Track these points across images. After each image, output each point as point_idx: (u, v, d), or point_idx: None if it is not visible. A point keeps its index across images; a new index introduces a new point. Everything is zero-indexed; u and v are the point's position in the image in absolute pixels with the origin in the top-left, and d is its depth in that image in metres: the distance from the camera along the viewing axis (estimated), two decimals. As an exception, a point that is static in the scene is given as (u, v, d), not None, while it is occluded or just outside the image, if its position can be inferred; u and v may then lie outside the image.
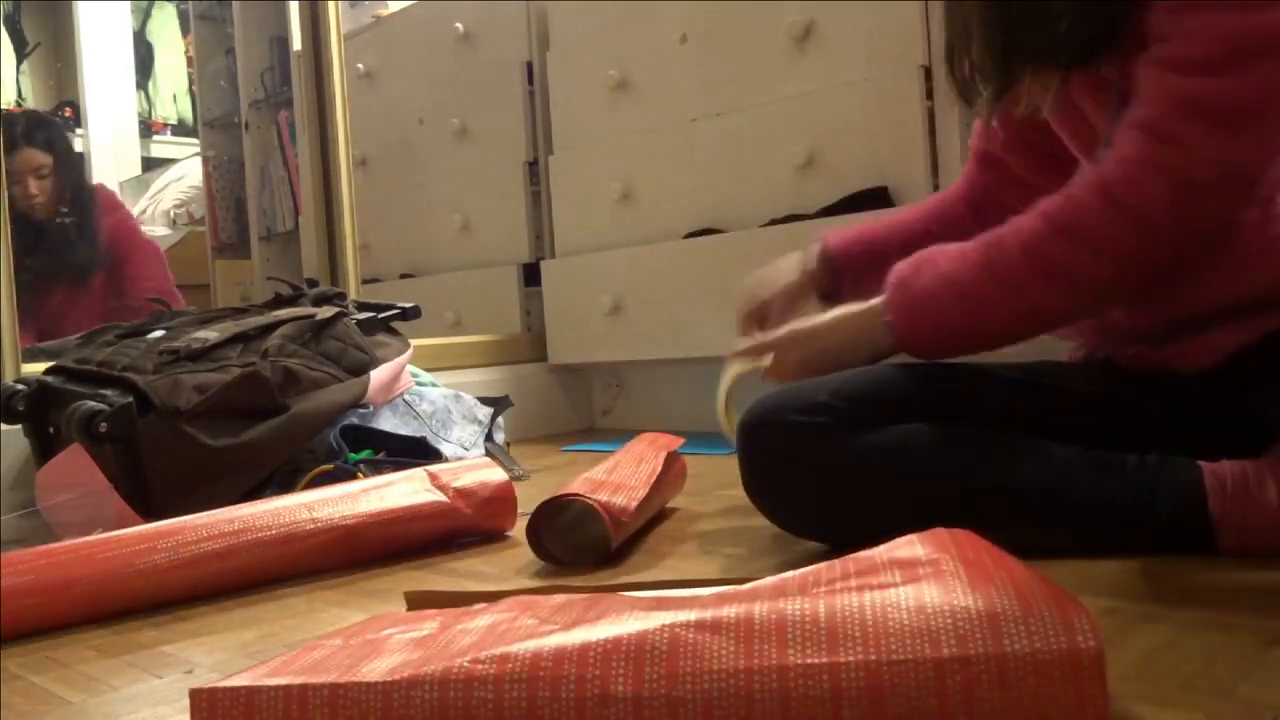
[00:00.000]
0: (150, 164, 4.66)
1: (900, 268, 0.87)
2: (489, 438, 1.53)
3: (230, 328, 1.41)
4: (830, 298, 1.03)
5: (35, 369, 1.47)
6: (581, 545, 0.95)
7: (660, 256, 1.92)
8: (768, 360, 0.93)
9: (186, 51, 4.81)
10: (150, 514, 1.11)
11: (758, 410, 0.91)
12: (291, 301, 1.60)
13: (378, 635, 0.55)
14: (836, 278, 1.08)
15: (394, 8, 2.68)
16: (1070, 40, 0.80)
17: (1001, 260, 0.81)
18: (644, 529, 1.08)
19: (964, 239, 0.86)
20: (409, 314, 1.63)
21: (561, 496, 0.95)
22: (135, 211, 4.15)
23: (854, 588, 0.47)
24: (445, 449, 1.41)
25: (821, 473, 0.87)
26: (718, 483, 1.37)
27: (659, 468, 1.08)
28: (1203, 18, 0.73)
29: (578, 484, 0.98)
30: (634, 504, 0.96)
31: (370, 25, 2.67)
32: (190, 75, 4.60)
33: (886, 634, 0.43)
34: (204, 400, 1.26)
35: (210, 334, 1.38)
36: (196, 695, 0.50)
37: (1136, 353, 0.89)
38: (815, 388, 0.89)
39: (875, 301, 0.87)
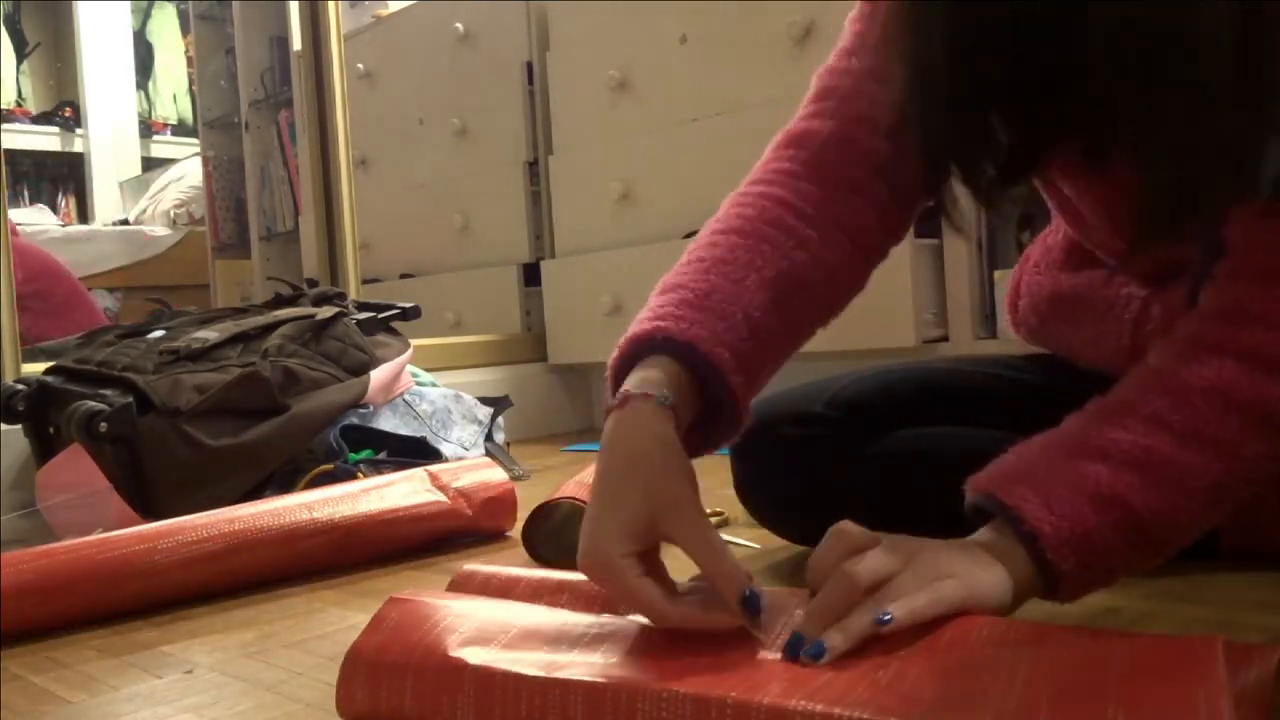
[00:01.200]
0: (150, 164, 4.66)
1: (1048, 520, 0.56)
2: (489, 438, 1.53)
3: (230, 328, 1.41)
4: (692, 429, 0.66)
5: (35, 369, 1.47)
6: (571, 546, 0.95)
7: (660, 256, 1.91)
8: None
9: (186, 51, 4.82)
10: (150, 514, 1.11)
11: (750, 420, 0.90)
12: (291, 301, 1.60)
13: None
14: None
15: (394, 8, 2.68)
16: None
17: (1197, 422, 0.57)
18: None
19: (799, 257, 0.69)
20: (409, 314, 1.63)
21: (549, 501, 0.95)
22: (135, 211, 4.16)
23: None
24: (445, 449, 1.41)
25: (819, 485, 0.86)
26: (720, 482, 1.37)
27: None
28: None
29: (569, 487, 0.98)
30: None
31: (370, 25, 2.67)
32: (190, 75, 4.60)
33: None
34: (204, 400, 1.26)
35: (210, 334, 1.38)
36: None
37: None
38: (808, 397, 0.87)
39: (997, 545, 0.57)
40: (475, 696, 0.52)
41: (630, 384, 0.61)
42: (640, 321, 0.64)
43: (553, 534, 0.96)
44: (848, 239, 0.72)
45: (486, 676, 0.52)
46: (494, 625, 0.56)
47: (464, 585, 0.68)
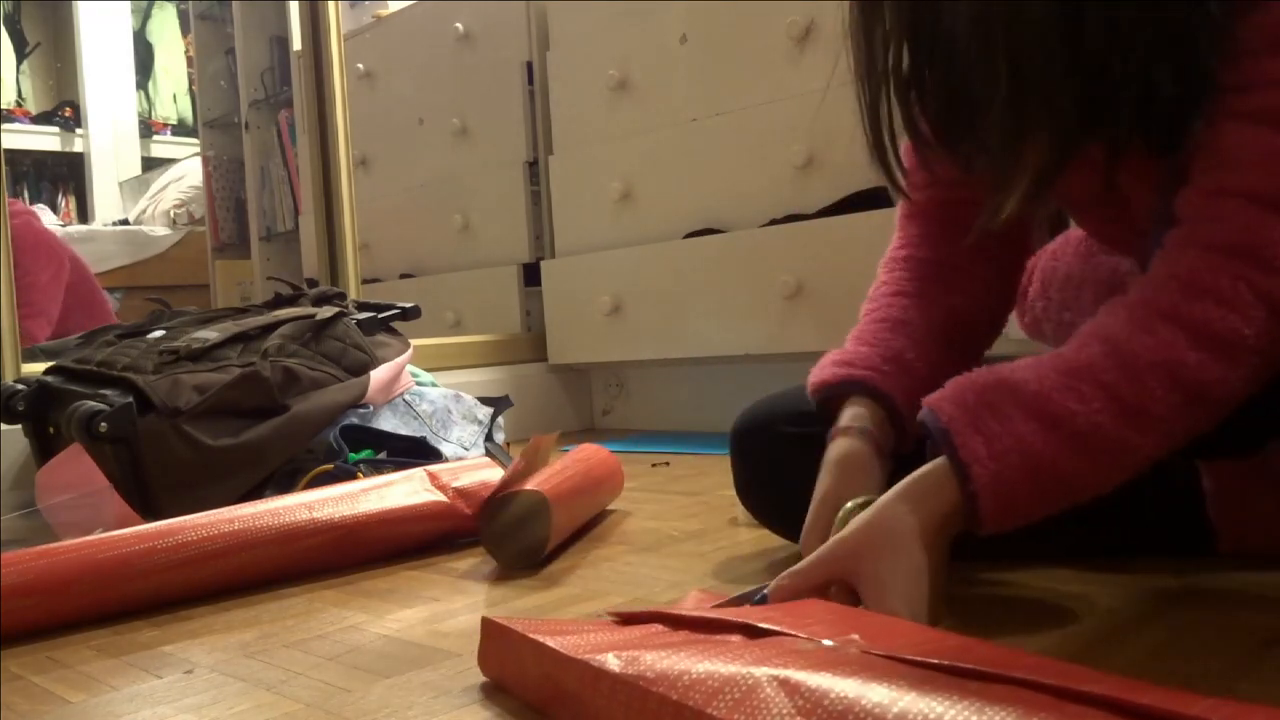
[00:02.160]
0: (150, 164, 4.66)
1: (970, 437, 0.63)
2: (489, 438, 1.53)
3: (230, 328, 1.41)
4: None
5: (35, 369, 1.47)
6: (533, 545, 0.94)
7: (660, 256, 1.92)
8: None
9: (186, 51, 4.82)
10: (150, 514, 1.11)
11: (747, 419, 0.90)
12: (291, 301, 1.60)
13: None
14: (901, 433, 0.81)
15: (394, 8, 2.68)
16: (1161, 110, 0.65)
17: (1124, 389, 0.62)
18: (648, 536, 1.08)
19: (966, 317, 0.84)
20: (409, 314, 1.63)
21: (510, 489, 0.95)
22: (135, 211, 4.16)
23: None
24: (445, 449, 1.41)
25: (810, 482, 0.86)
26: (715, 483, 1.37)
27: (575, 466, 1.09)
28: None
29: (536, 478, 0.99)
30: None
31: (370, 25, 2.67)
32: (190, 75, 4.61)
33: None
34: (204, 400, 1.26)
35: (210, 334, 1.38)
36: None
37: None
38: (806, 396, 0.88)
39: (918, 479, 0.65)
40: (611, 703, 0.50)
41: (844, 420, 0.78)
42: (846, 364, 0.81)
43: (511, 528, 0.95)
44: (983, 270, 0.86)
45: (629, 687, 0.49)
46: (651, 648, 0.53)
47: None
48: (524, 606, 0.82)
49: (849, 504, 0.71)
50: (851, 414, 0.78)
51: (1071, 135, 0.66)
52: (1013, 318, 0.99)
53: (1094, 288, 0.86)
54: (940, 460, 0.64)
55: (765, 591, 0.65)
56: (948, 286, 0.84)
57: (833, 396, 0.80)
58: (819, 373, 0.81)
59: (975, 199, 0.80)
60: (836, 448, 0.77)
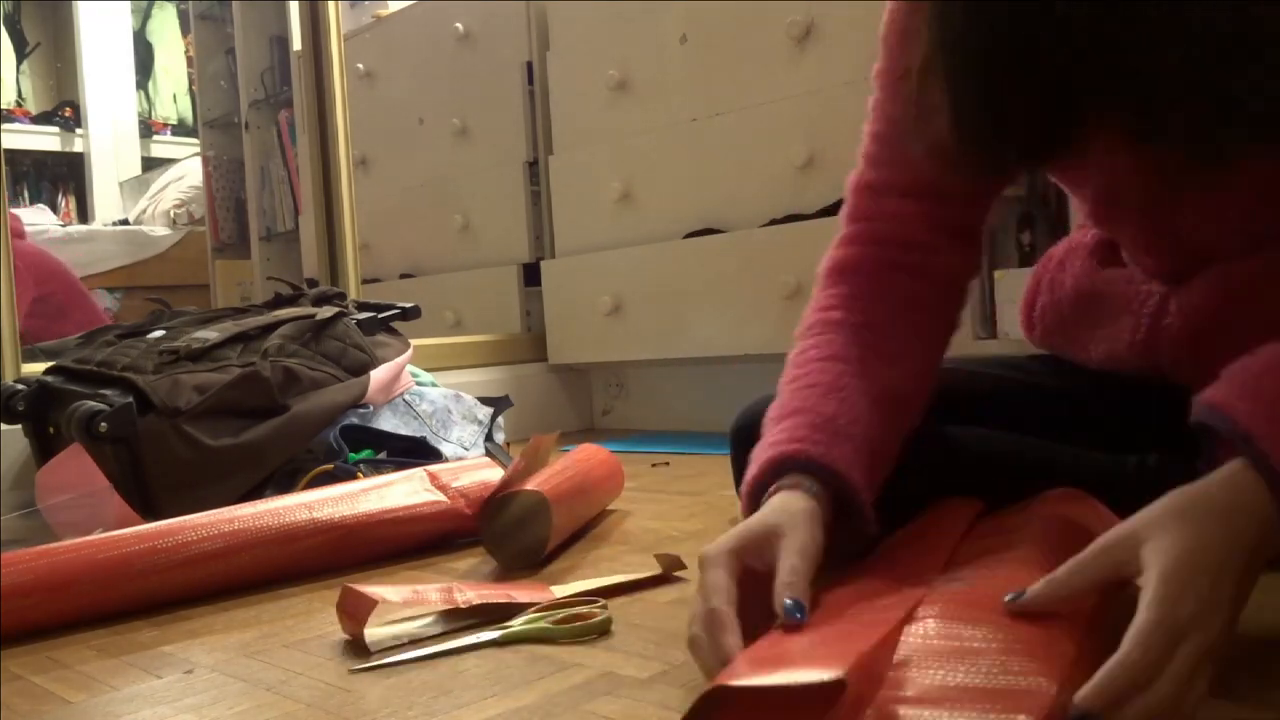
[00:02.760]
0: (150, 164, 4.66)
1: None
2: (489, 438, 1.53)
3: (230, 328, 1.41)
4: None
5: (35, 369, 1.47)
6: (532, 546, 0.95)
7: (660, 256, 1.92)
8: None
9: (186, 51, 4.82)
10: (150, 514, 1.11)
11: (747, 418, 0.90)
12: (291, 301, 1.60)
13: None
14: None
15: (394, 8, 2.68)
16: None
17: None
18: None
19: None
20: (409, 314, 1.63)
21: (511, 489, 0.95)
22: (135, 211, 4.16)
23: None
24: (445, 449, 1.41)
25: None
26: (715, 483, 1.37)
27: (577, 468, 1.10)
28: None
29: (537, 478, 0.99)
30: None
31: (370, 25, 2.67)
32: (190, 75, 4.61)
33: None
34: (204, 400, 1.26)
35: (210, 334, 1.38)
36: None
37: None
38: None
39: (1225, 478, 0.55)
40: None
41: (781, 484, 0.67)
42: (775, 445, 0.70)
43: (511, 528, 0.95)
44: (914, 344, 0.79)
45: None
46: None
47: None
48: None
49: None
50: (791, 479, 0.68)
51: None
52: (1018, 322, 0.99)
53: (1107, 300, 0.85)
54: (1236, 468, 0.54)
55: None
56: (882, 357, 0.77)
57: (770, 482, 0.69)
58: (756, 467, 0.70)
59: (910, 263, 0.79)
60: (771, 500, 0.66)
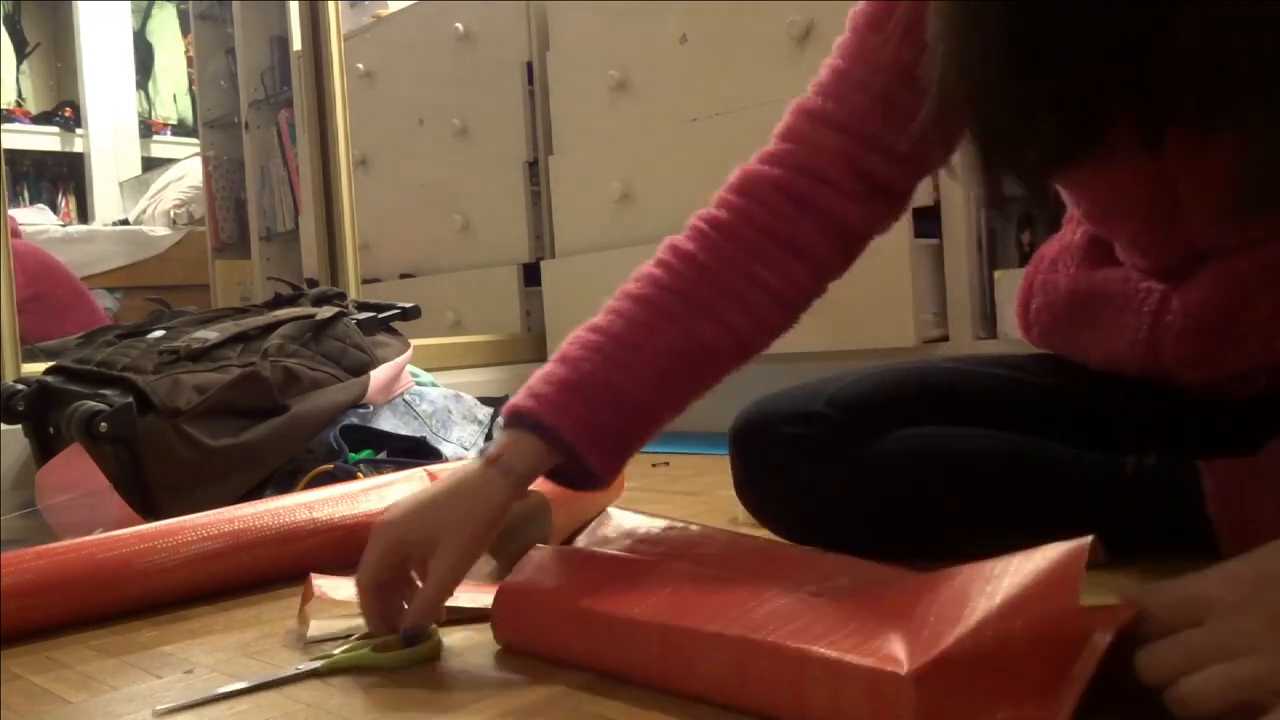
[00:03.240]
0: (150, 164, 4.66)
1: None
2: (489, 438, 1.53)
3: (230, 328, 1.41)
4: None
5: (35, 369, 1.47)
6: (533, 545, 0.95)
7: (660, 256, 1.92)
8: None
9: (186, 51, 4.82)
10: (150, 514, 1.11)
11: (746, 419, 0.90)
12: (291, 301, 1.60)
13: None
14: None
15: (394, 8, 2.68)
16: None
17: None
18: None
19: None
20: (409, 314, 1.63)
21: None
22: (135, 211, 4.16)
23: None
24: (445, 449, 1.41)
25: (819, 484, 0.85)
26: (715, 483, 1.37)
27: None
28: None
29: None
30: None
31: (370, 25, 2.67)
32: (190, 75, 4.61)
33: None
34: (204, 400, 1.26)
35: (210, 334, 1.38)
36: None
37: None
38: (808, 397, 0.87)
39: None
40: (597, 638, 0.63)
41: (499, 445, 0.73)
42: (525, 393, 0.75)
43: (511, 528, 0.95)
44: (782, 285, 0.78)
45: (607, 621, 0.63)
46: (613, 576, 0.67)
47: (601, 526, 0.82)
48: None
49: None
50: (509, 443, 0.73)
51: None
52: (1014, 322, 0.99)
53: (1104, 300, 0.85)
54: None
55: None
56: (704, 313, 0.76)
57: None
58: (510, 401, 0.76)
59: (815, 199, 0.77)
60: (464, 475, 0.72)
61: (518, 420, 0.74)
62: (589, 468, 0.74)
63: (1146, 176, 0.75)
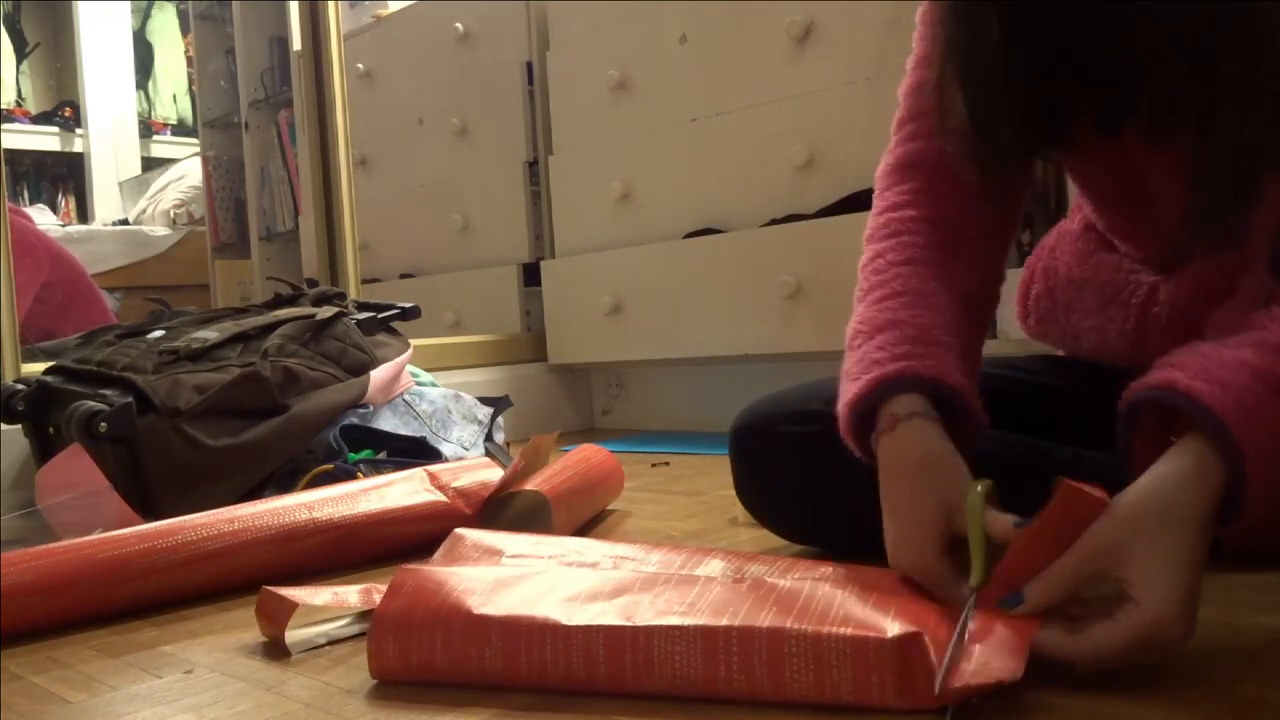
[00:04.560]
0: (150, 164, 4.66)
1: (1217, 397, 0.55)
2: (489, 438, 1.53)
3: (230, 328, 1.41)
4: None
5: (35, 369, 1.47)
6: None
7: (660, 256, 1.92)
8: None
9: (186, 51, 4.81)
10: (150, 514, 1.11)
11: (747, 418, 0.90)
12: (291, 301, 1.60)
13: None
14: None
15: (394, 8, 2.68)
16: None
17: None
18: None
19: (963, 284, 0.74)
20: (409, 314, 1.63)
21: (510, 489, 0.96)
22: (135, 211, 4.16)
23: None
24: (445, 449, 1.41)
25: (819, 484, 0.85)
26: (715, 483, 1.37)
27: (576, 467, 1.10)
28: None
29: (536, 478, 0.99)
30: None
31: (370, 25, 2.67)
32: (190, 75, 4.60)
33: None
34: (204, 400, 1.26)
35: (210, 334, 1.38)
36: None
37: None
38: (807, 396, 0.87)
39: (1175, 463, 0.56)
40: (502, 647, 0.60)
41: (894, 410, 0.67)
42: (878, 364, 0.69)
43: (511, 528, 0.95)
44: (985, 242, 0.79)
45: (512, 627, 0.60)
46: (508, 583, 0.65)
47: (456, 547, 0.77)
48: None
49: (978, 489, 0.61)
50: (903, 401, 0.67)
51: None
52: (1014, 318, 0.99)
53: (1096, 289, 0.86)
54: (1195, 442, 0.56)
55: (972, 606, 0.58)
56: (960, 257, 0.76)
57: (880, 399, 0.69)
58: (858, 385, 0.69)
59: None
60: (907, 447, 0.66)
61: (893, 385, 0.68)
62: (970, 409, 0.69)
63: (1115, 165, 0.76)
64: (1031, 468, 0.84)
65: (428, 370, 1.70)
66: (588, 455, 1.17)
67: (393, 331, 1.59)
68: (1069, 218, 0.92)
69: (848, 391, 0.70)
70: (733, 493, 0.95)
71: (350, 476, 1.18)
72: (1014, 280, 0.98)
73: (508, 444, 1.65)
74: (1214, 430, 0.54)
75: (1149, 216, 0.78)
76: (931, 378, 0.67)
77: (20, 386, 1.33)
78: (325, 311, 1.50)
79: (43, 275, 2.43)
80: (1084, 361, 0.93)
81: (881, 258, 0.76)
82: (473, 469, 1.11)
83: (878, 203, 0.80)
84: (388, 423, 1.42)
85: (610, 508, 1.23)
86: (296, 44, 2.65)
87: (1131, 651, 0.54)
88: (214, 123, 3.44)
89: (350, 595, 0.77)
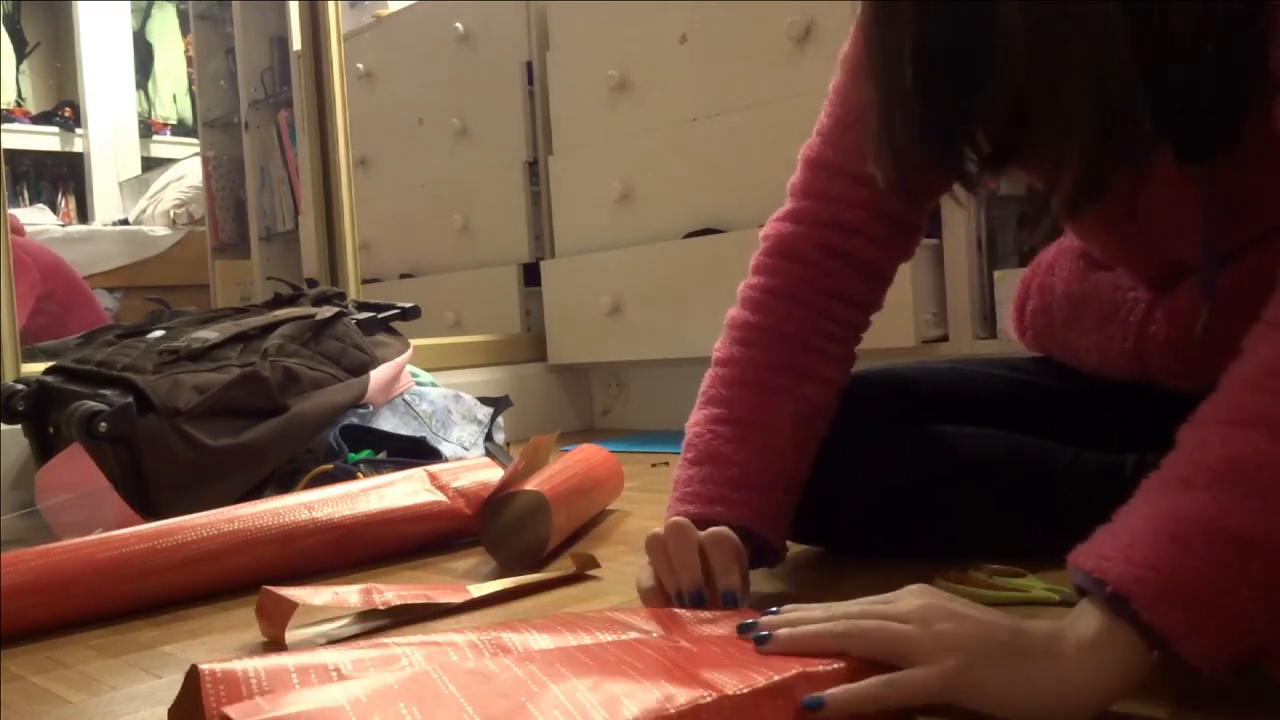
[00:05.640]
0: (150, 164, 4.66)
1: (1127, 557, 0.50)
2: (489, 438, 1.53)
3: (230, 328, 1.41)
4: None
5: (35, 369, 1.47)
6: (534, 544, 0.95)
7: (660, 256, 1.92)
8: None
9: (186, 51, 4.82)
10: (150, 514, 1.11)
11: None
12: (291, 301, 1.60)
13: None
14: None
15: (394, 8, 2.68)
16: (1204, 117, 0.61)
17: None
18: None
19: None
20: (409, 314, 1.63)
21: (510, 490, 0.95)
22: (135, 211, 4.16)
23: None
24: (445, 449, 1.41)
25: (819, 482, 0.85)
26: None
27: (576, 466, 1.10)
28: None
29: (536, 478, 0.99)
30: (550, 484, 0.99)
31: (370, 25, 2.67)
32: (190, 75, 4.61)
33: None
34: (204, 400, 1.26)
35: (210, 334, 1.38)
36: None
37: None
38: None
39: (1089, 625, 0.51)
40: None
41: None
42: (689, 499, 0.75)
43: (511, 528, 0.95)
44: (837, 338, 0.82)
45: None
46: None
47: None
48: (523, 608, 0.82)
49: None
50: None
51: (1145, 141, 0.58)
52: (1011, 325, 0.99)
53: (1095, 305, 0.85)
54: (1083, 615, 0.52)
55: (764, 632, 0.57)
56: (803, 374, 0.80)
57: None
58: (679, 509, 0.75)
59: (849, 249, 0.81)
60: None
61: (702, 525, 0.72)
62: (775, 549, 0.78)
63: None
64: (1030, 468, 0.84)
65: (428, 370, 1.70)
66: (588, 455, 1.17)
67: (393, 331, 1.59)
68: (1068, 234, 0.91)
69: (672, 507, 0.76)
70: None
71: (350, 476, 1.18)
72: (1013, 285, 0.99)
73: (508, 444, 1.65)
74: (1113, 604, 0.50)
75: (1137, 239, 0.77)
76: (740, 525, 0.73)
77: (20, 386, 1.33)
78: (325, 311, 1.50)
79: (35, 288, 2.43)
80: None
81: (731, 364, 0.81)
82: (473, 469, 1.11)
83: (752, 268, 0.85)
84: (388, 423, 1.42)
85: (610, 508, 1.23)
86: (296, 44, 2.65)
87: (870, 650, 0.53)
88: (214, 123, 3.44)
89: (350, 595, 0.77)
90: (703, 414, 0.80)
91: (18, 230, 2.52)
